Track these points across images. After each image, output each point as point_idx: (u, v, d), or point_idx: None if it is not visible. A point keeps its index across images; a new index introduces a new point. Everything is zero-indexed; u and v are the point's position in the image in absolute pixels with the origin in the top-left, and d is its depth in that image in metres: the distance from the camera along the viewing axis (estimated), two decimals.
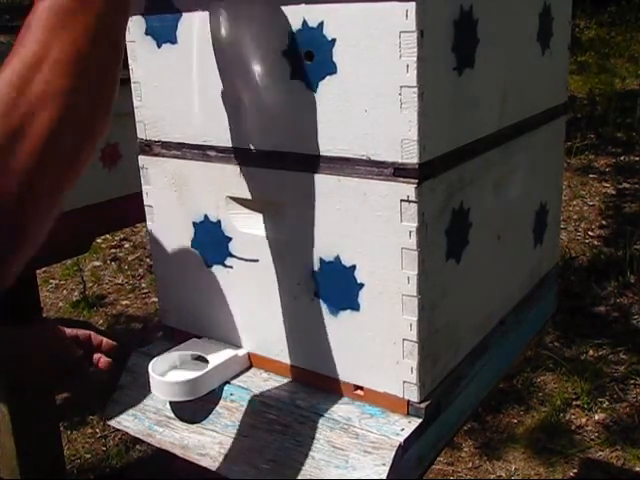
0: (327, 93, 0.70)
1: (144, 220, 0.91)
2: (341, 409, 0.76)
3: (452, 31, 0.69)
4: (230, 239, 0.82)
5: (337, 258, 0.74)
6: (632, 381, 2.32)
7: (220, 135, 0.79)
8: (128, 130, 0.91)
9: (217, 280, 0.84)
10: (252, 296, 0.82)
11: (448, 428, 0.80)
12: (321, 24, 0.68)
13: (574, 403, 2.25)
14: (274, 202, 0.77)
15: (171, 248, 0.88)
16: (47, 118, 0.50)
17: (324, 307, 0.76)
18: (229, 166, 0.79)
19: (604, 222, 3.50)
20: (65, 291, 3.14)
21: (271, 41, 0.72)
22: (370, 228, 0.71)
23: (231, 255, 0.82)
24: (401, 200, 0.68)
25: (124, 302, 2.99)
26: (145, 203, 0.89)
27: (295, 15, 0.70)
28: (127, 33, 0.83)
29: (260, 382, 0.82)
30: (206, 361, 0.82)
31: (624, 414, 2.18)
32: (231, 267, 0.83)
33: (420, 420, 0.73)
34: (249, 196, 0.79)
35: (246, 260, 0.81)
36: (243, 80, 0.75)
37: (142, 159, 0.88)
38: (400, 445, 0.69)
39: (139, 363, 0.87)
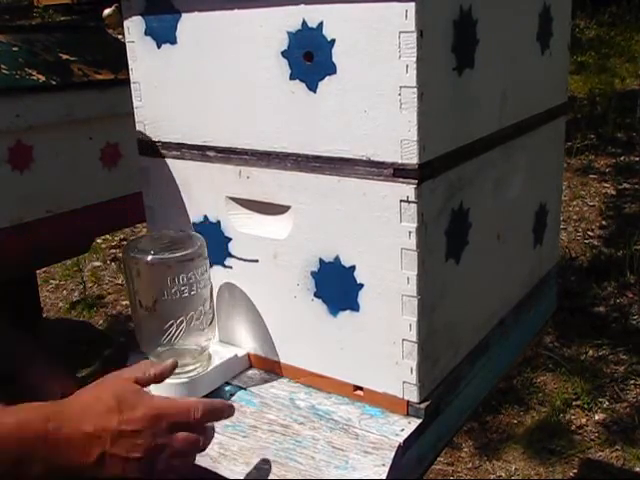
0: (327, 93, 0.70)
1: (144, 220, 0.91)
2: (341, 409, 0.76)
3: (452, 31, 0.69)
4: (230, 239, 0.82)
5: (337, 258, 0.74)
6: (632, 381, 2.32)
7: (220, 135, 0.79)
8: (128, 130, 0.91)
9: (217, 280, 0.84)
10: (252, 296, 0.82)
11: (448, 428, 0.80)
12: (321, 24, 0.68)
13: (574, 403, 2.24)
14: (274, 202, 0.77)
15: None
16: None
17: (324, 307, 0.76)
18: (229, 166, 0.79)
19: (604, 222, 3.49)
20: (65, 291, 3.14)
21: (271, 41, 0.72)
22: (370, 228, 0.71)
23: (231, 255, 0.82)
24: (401, 200, 0.68)
25: (124, 302, 2.98)
26: (145, 203, 0.89)
27: (294, 15, 0.70)
28: (127, 33, 0.83)
29: (260, 382, 0.82)
30: None
31: (624, 414, 2.17)
32: (231, 267, 0.83)
33: (420, 420, 0.73)
34: (249, 196, 0.79)
35: (246, 260, 0.81)
36: (242, 80, 0.76)
37: (142, 159, 0.88)
38: (400, 445, 0.69)
39: None
